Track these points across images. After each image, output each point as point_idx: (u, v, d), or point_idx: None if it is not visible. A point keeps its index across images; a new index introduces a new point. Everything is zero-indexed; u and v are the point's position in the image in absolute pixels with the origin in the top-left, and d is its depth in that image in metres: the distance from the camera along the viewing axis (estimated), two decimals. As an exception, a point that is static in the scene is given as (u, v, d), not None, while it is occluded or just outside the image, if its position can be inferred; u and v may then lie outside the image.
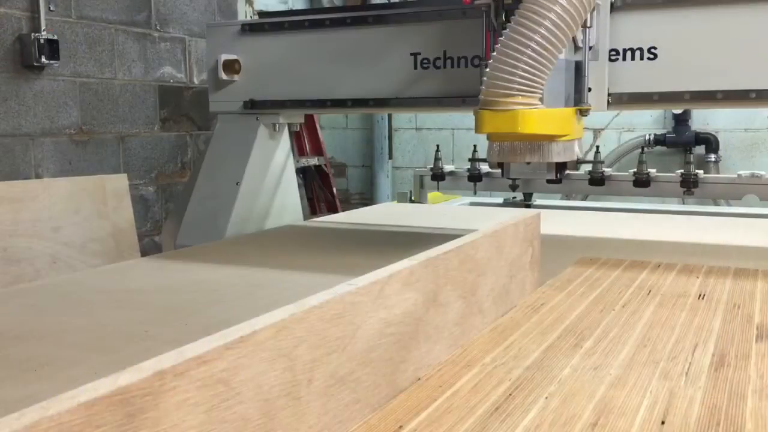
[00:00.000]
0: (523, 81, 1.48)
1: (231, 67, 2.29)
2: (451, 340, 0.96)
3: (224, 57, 2.28)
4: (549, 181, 3.18)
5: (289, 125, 2.49)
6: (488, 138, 1.63)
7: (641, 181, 2.82)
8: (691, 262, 1.59)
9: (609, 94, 1.75)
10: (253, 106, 2.30)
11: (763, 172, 2.71)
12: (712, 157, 4.95)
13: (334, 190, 6.00)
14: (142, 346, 1.11)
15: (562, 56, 1.57)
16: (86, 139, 3.72)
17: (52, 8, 3.46)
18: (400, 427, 0.73)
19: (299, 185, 5.95)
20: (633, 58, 1.74)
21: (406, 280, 0.83)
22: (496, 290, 1.13)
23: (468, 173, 3.10)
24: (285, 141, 2.47)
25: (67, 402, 0.43)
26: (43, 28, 3.36)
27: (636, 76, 1.73)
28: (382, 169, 6.21)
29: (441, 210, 2.96)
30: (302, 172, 6.02)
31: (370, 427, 0.73)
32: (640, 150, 3.16)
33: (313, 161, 5.96)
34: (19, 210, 2.05)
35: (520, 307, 1.21)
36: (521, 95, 1.49)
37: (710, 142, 4.98)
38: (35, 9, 3.37)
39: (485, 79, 1.53)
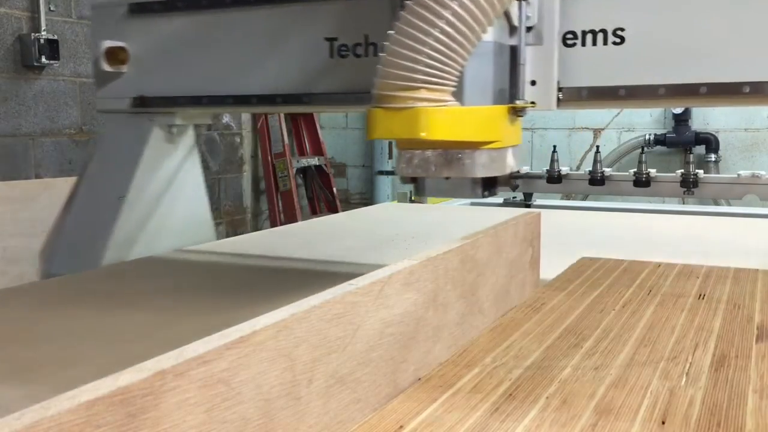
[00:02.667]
0: (430, 69, 1.11)
1: (116, 56, 1.86)
2: (451, 340, 0.96)
3: (107, 44, 1.85)
4: (549, 181, 3.19)
5: (197, 127, 2.10)
6: (396, 146, 1.26)
7: (641, 181, 2.81)
8: (691, 262, 1.59)
9: (560, 89, 1.38)
10: (143, 103, 1.87)
11: (763, 172, 2.71)
12: (712, 157, 4.95)
13: (334, 190, 6.01)
14: (141, 346, 1.11)
15: (489, 37, 1.21)
16: (86, 139, 3.72)
17: (52, 8, 3.46)
18: (400, 427, 0.73)
19: (299, 185, 5.98)
20: (594, 43, 1.38)
21: (406, 280, 0.83)
22: (496, 290, 1.13)
23: (468, 173, 3.10)
24: (188, 146, 2.05)
25: (67, 402, 0.43)
26: (43, 28, 3.37)
27: (597, 66, 1.38)
28: (382, 169, 6.21)
29: (441, 210, 2.96)
30: (302, 172, 6.03)
31: (370, 427, 0.73)
32: (640, 150, 3.16)
33: (313, 161, 5.98)
34: (19, 210, 2.05)
35: (520, 307, 1.21)
36: (426, 88, 1.12)
37: (710, 142, 4.98)
38: (35, 9, 3.37)
39: (379, 66, 1.15)
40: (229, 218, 5.49)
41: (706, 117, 5.09)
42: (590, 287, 1.36)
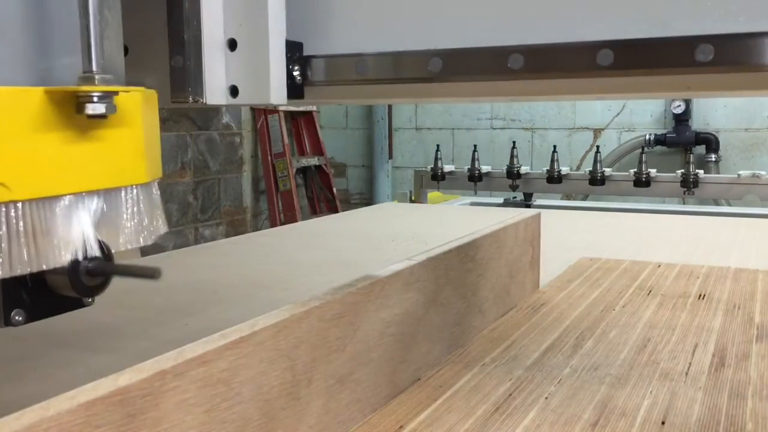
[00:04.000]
0: None
1: None
2: (451, 340, 0.96)
3: None
4: (549, 181, 3.19)
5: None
6: None
7: (641, 181, 2.83)
8: (691, 262, 1.59)
9: (302, 60, 0.66)
10: None
11: (763, 172, 2.72)
12: (713, 157, 4.95)
13: (334, 190, 6.01)
14: (142, 346, 1.11)
15: None
16: (86, 139, 3.72)
17: (52, 8, 3.46)
18: (400, 427, 0.73)
19: (299, 185, 5.98)
20: None
21: (406, 280, 0.83)
22: (496, 290, 1.13)
23: (468, 173, 3.11)
24: None
25: (67, 402, 0.43)
26: (43, 28, 3.36)
27: (388, 11, 0.65)
28: (382, 169, 6.21)
29: (441, 210, 2.96)
30: (302, 172, 6.04)
31: (370, 427, 0.73)
32: (640, 150, 3.16)
33: (313, 161, 5.98)
34: (19, 210, 2.05)
35: (520, 307, 1.21)
36: None
37: (710, 142, 4.99)
38: (35, 9, 3.37)
39: None
40: (229, 218, 5.49)
41: (707, 117, 5.10)
42: (590, 287, 1.36)
